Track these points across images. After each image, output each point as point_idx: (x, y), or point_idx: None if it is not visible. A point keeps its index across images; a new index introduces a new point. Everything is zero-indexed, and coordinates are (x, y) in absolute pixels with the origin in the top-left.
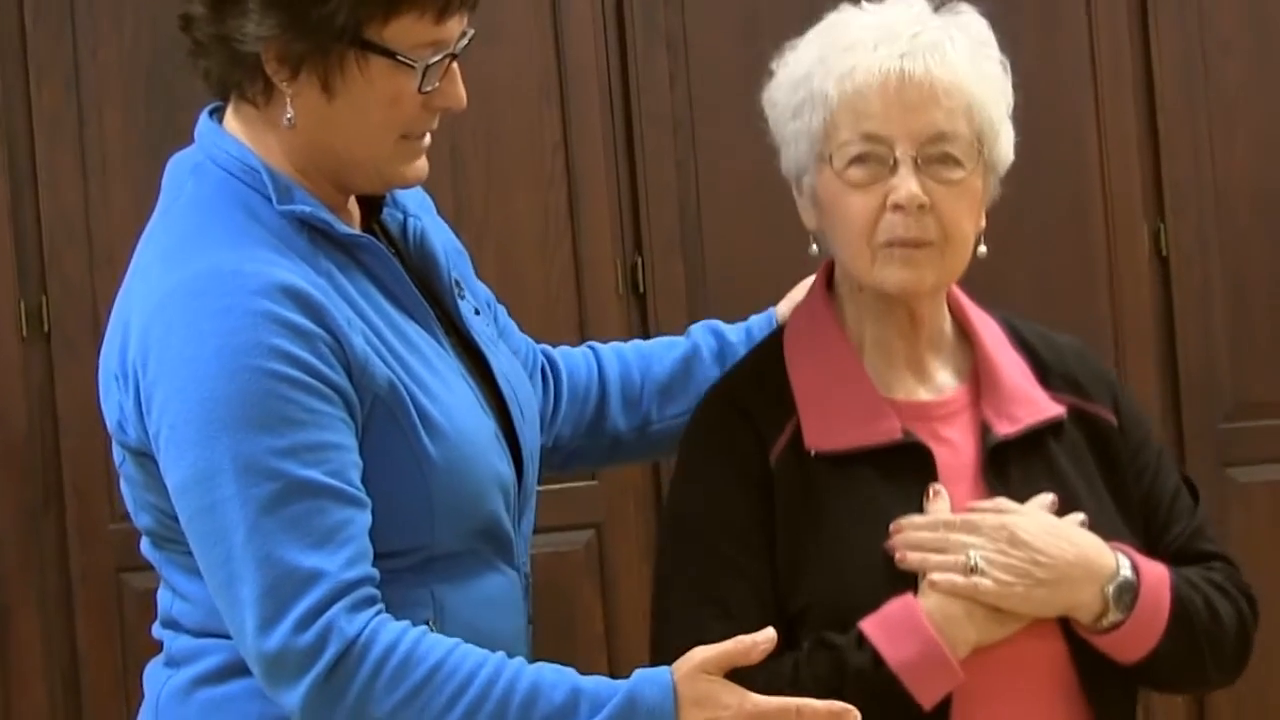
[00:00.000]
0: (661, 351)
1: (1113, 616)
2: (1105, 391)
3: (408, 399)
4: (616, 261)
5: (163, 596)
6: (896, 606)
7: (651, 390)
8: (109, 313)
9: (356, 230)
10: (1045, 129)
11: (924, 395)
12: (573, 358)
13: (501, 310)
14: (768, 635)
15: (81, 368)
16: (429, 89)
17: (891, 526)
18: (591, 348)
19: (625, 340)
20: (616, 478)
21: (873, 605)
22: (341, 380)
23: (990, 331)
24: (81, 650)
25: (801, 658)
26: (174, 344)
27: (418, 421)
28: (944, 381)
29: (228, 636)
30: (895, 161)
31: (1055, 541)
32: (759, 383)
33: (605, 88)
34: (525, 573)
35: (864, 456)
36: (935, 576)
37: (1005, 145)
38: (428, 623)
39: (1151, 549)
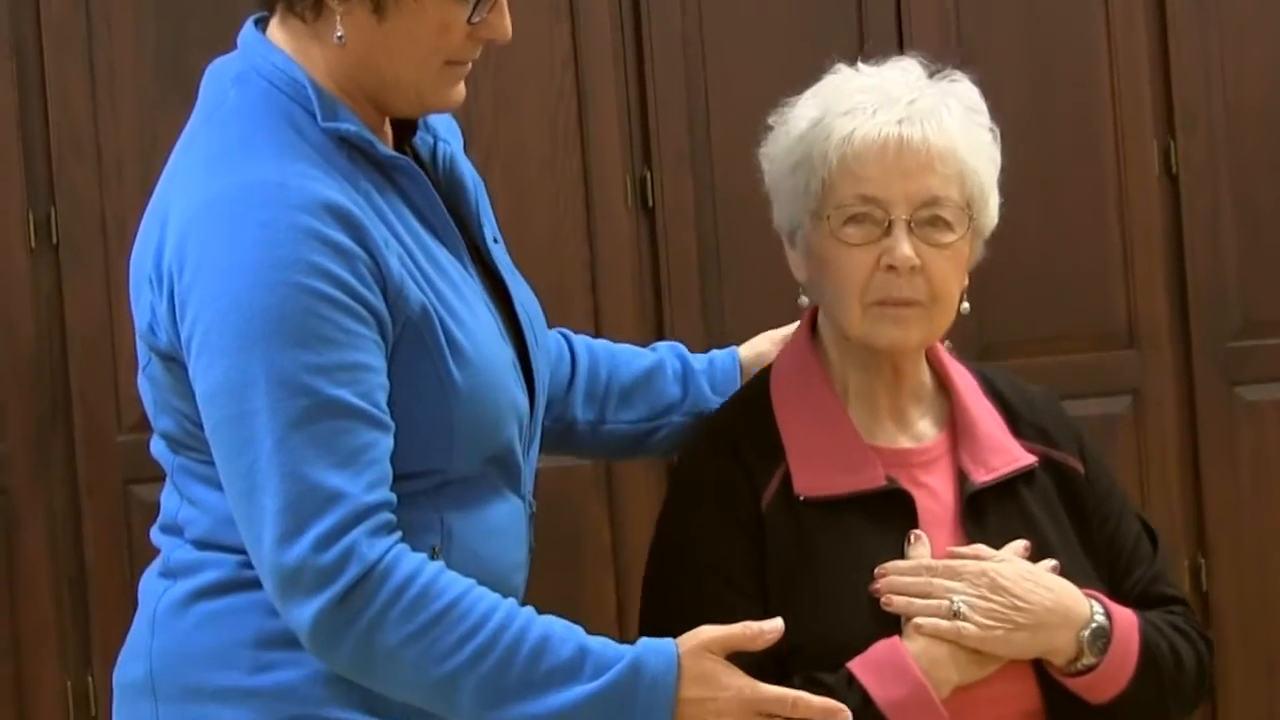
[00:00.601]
0: (628, 357)
1: (1086, 660)
2: (1072, 440)
3: (437, 323)
4: (625, 176)
5: (168, 501)
6: (884, 649)
7: (614, 390)
8: (117, 224)
9: (394, 152)
10: (1056, 46)
11: (905, 443)
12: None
13: None
14: (775, 625)
15: (89, 279)
16: (478, 20)
17: (876, 571)
18: (562, 333)
19: (634, 253)
20: None
21: (860, 645)
22: (377, 302)
23: (965, 382)
24: (89, 561)
25: None
26: (213, 252)
27: (445, 346)
28: (924, 430)
29: (230, 550)
30: (890, 223)
31: (1033, 588)
32: (749, 429)
33: (615, 1)
34: (530, 501)
35: (850, 502)
36: (920, 620)
37: (992, 210)
38: (433, 549)
39: (1114, 592)
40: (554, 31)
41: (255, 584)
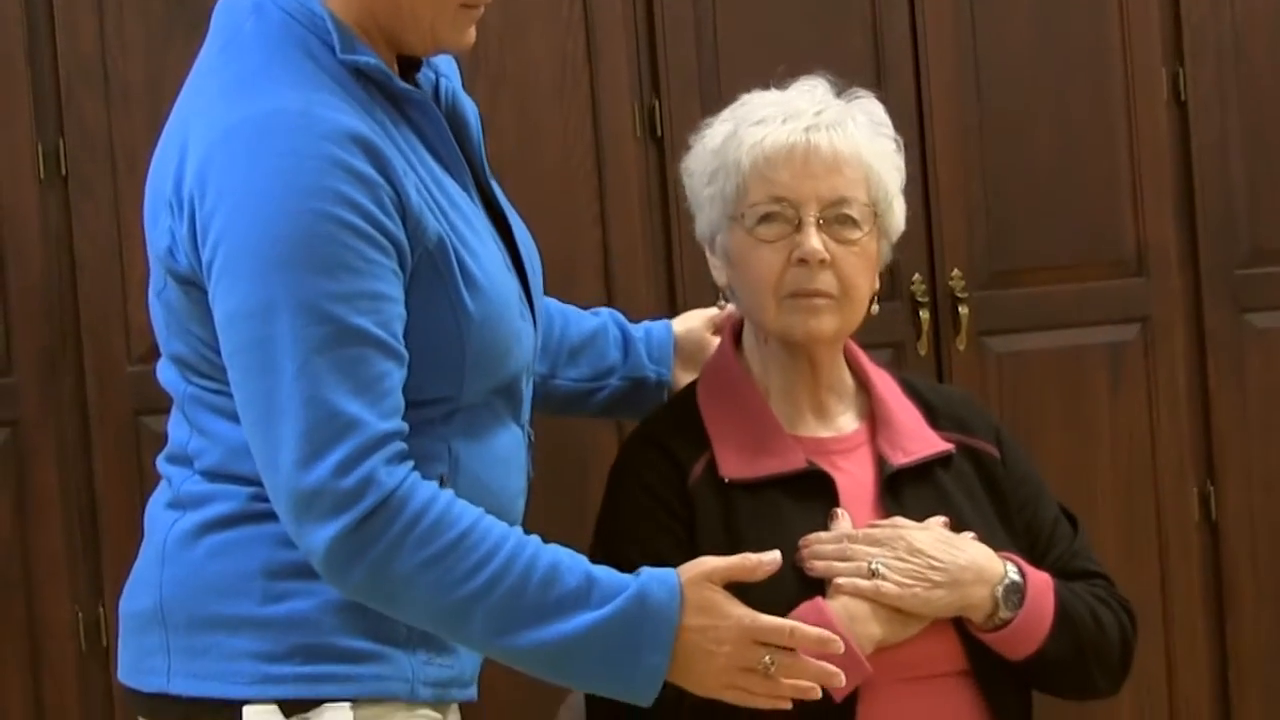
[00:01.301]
0: (576, 316)
1: (1003, 614)
2: (988, 428)
3: (452, 254)
4: (634, 105)
5: (177, 431)
6: (808, 607)
7: (565, 347)
8: (126, 155)
9: (410, 86)
10: None
11: (825, 433)
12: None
13: None
14: (773, 557)
15: (99, 210)
16: None
17: (800, 542)
18: None
19: (642, 183)
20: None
21: (784, 612)
22: (398, 231)
23: (884, 381)
24: (99, 493)
25: None
26: (237, 178)
27: (459, 276)
28: (844, 423)
29: (241, 481)
30: (800, 221)
31: (948, 549)
32: (676, 427)
33: None
34: (529, 431)
35: (773, 483)
36: (840, 581)
37: (898, 215)
38: (441, 477)
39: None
40: None
41: (266, 516)
